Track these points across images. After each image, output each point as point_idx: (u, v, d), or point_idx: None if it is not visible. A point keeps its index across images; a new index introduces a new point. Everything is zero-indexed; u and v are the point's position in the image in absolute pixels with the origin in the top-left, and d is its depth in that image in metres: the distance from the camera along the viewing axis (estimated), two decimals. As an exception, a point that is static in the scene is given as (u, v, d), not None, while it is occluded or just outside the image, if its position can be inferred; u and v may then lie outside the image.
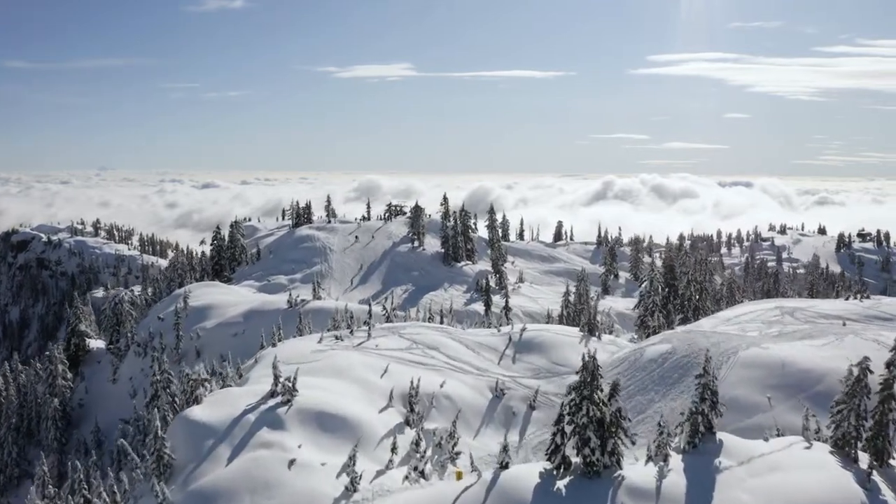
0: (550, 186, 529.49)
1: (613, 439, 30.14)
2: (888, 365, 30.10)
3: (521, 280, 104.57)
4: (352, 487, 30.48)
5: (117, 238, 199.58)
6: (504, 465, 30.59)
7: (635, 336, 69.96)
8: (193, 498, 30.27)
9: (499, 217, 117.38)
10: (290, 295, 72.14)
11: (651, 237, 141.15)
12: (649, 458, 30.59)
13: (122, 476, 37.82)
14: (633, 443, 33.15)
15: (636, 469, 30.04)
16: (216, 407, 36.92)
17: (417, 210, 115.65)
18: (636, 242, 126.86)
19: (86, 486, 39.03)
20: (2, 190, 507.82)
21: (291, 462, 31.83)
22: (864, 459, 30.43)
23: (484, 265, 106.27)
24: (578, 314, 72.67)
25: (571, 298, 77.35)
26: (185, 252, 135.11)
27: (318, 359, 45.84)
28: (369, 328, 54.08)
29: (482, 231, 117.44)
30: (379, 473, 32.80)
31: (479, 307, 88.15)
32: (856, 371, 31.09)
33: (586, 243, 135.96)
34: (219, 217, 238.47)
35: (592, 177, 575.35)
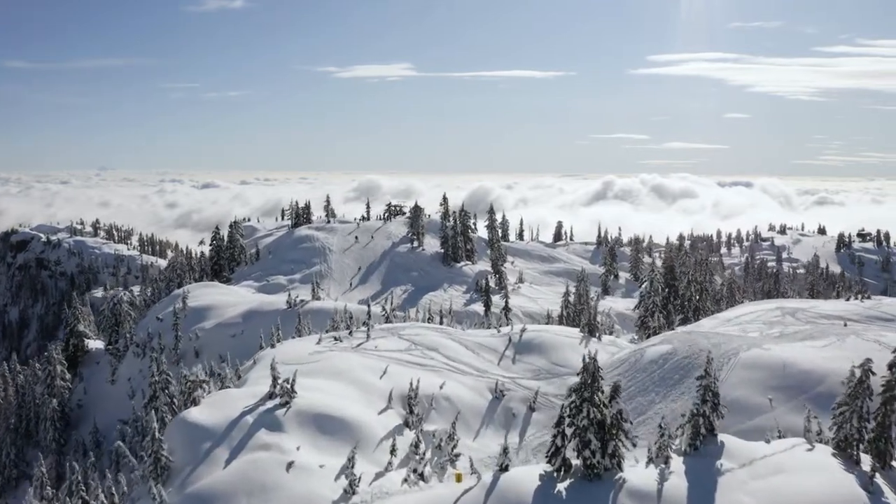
0: (550, 186, 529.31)
1: (614, 441, 29.93)
2: (890, 366, 29.87)
3: (520, 280, 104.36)
4: (350, 490, 30.30)
5: (117, 238, 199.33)
6: (504, 468, 30.38)
7: (636, 337, 69.80)
8: (191, 501, 30.09)
9: (498, 217, 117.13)
10: (290, 295, 71.96)
11: (651, 237, 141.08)
12: (650, 461, 30.40)
13: (120, 478, 37.64)
14: (635, 445, 32.96)
15: (637, 471, 29.83)
16: (214, 409, 36.73)
17: (417, 210, 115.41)
18: (636, 242, 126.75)
19: (84, 488, 38.86)
20: (2, 190, 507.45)
21: (290, 464, 31.66)
22: (866, 461, 30.22)
23: (483, 265, 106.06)
24: (578, 315, 72.48)
25: (571, 299, 77.16)
26: (185, 252, 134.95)
27: (316, 360, 45.67)
28: (368, 329, 53.88)
29: (482, 231, 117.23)
30: (378, 476, 32.65)
31: (478, 308, 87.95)
32: (858, 373, 30.88)
33: (586, 243, 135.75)
34: (218, 217, 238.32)
35: (592, 177, 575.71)
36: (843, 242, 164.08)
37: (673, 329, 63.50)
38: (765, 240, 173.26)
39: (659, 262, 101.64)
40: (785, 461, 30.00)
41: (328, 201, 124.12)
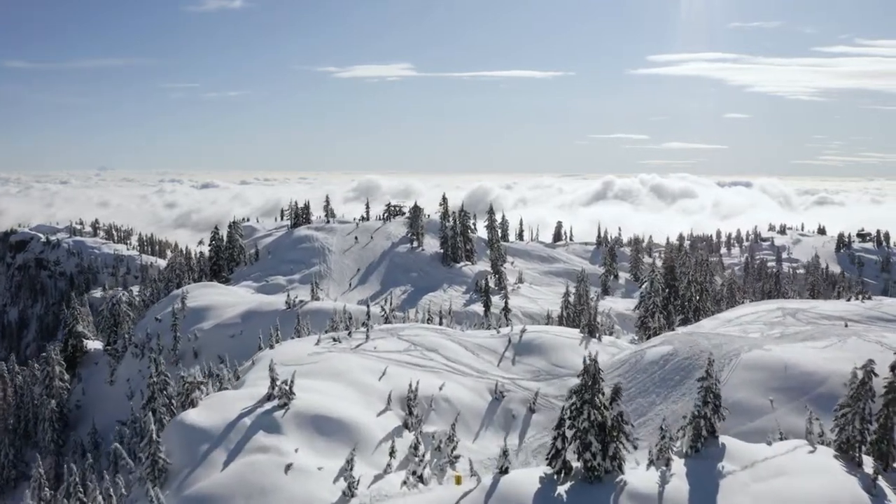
0: (550, 186, 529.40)
1: (615, 444, 29.69)
2: (893, 368, 29.66)
3: (520, 281, 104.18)
4: (349, 492, 30.07)
5: (116, 238, 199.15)
6: (504, 470, 30.14)
7: (636, 337, 69.60)
8: (188, 503, 29.87)
9: (498, 217, 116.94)
10: (289, 296, 71.83)
11: (651, 237, 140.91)
12: (651, 463, 30.17)
13: (118, 479, 37.45)
14: (635, 447, 32.68)
15: (638, 474, 29.60)
16: (212, 410, 36.52)
17: (416, 210, 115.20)
18: (636, 242, 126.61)
19: (81, 490, 38.67)
20: (1, 190, 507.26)
21: (288, 467, 31.42)
22: (868, 464, 30.00)
23: (483, 266, 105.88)
24: (578, 315, 72.31)
25: (571, 299, 77.00)
26: (184, 252, 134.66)
27: (315, 361, 45.47)
28: (368, 329, 53.69)
29: (481, 231, 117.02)
30: (377, 478, 32.41)
31: (478, 308, 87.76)
32: (860, 374, 30.65)
33: (586, 243, 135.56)
34: (218, 217, 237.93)
35: (592, 177, 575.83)
36: (842, 242, 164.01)
37: (673, 330, 63.32)
38: (765, 240, 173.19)
39: (659, 263, 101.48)
40: (787, 463, 29.78)
41: (328, 201, 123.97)
